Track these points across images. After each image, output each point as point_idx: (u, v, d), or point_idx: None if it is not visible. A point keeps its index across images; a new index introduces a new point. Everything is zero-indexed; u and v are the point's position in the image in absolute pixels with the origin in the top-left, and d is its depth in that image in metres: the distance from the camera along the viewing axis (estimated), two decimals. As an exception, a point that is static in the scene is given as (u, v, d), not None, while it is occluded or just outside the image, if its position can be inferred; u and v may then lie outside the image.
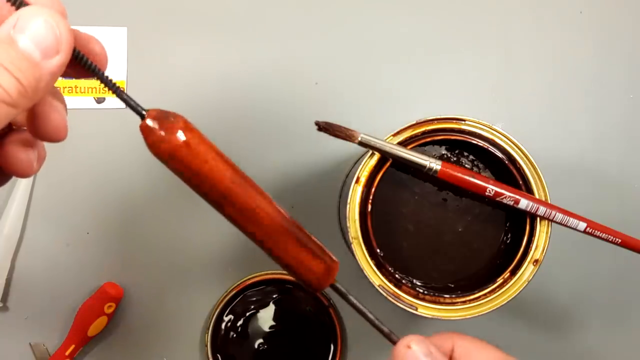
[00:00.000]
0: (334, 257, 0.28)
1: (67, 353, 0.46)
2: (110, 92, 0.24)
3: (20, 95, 0.20)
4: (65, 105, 0.26)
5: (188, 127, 0.24)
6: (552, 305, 0.50)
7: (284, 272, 0.48)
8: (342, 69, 0.51)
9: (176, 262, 0.49)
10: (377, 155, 0.38)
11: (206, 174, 0.24)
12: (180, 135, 0.23)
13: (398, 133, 0.38)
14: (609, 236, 0.38)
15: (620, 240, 0.38)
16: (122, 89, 0.24)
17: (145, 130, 0.23)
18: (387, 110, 0.50)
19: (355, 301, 0.29)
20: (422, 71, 0.51)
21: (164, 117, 0.24)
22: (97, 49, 0.25)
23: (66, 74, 0.24)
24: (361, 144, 0.37)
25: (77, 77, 0.25)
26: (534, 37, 0.52)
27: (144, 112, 0.24)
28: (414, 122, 0.38)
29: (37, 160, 0.26)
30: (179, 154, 0.23)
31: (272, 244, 0.27)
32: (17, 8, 0.21)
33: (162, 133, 0.23)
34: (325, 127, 0.37)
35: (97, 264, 0.48)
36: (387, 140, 0.38)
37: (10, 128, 0.26)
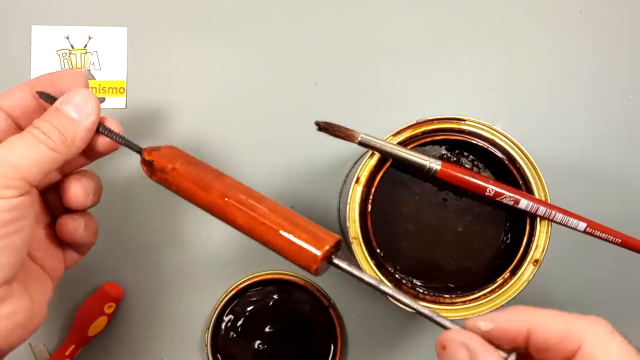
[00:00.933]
0: (331, 233, 0.29)
1: (67, 353, 0.46)
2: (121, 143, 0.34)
3: (64, 144, 0.30)
4: (94, 182, 0.35)
5: (173, 159, 0.32)
6: (552, 305, 0.50)
7: (284, 272, 0.48)
8: (342, 69, 0.51)
9: (176, 262, 0.49)
10: (377, 155, 0.38)
11: (197, 192, 0.31)
12: (168, 167, 0.32)
13: (398, 133, 0.38)
14: (609, 236, 0.38)
15: (620, 240, 0.38)
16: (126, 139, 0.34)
17: (143, 166, 0.33)
18: (387, 110, 0.50)
19: (363, 276, 0.27)
20: (422, 71, 0.51)
21: (156, 156, 0.33)
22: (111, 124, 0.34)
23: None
24: (361, 144, 0.37)
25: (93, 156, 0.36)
26: (534, 37, 0.52)
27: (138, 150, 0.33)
28: (414, 122, 0.38)
29: (83, 228, 0.35)
30: (168, 182, 0.32)
31: (259, 229, 0.29)
32: (50, 103, 0.32)
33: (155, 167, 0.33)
34: (325, 127, 0.37)
35: (97, 264, 0.48)
36: (387, 140, 0.38)
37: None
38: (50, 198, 0.36)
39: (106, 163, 0.49)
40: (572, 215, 0.37)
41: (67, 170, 0.36)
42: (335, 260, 0.28)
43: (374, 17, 0.51)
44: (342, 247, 0.30)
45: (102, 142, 0.34)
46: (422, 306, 0.26)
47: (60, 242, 0.36)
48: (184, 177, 0.31)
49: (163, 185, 0.33)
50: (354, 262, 0.35)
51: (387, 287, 0.27)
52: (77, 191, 0.33)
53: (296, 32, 0.51)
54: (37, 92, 0.33)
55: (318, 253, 0.27)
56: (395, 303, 0.27)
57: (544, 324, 0.22)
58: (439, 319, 0.25)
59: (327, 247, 0.27)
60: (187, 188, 0.31)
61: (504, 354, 0.23)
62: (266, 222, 0.29)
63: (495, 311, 0.24)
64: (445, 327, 0.25)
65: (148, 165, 0.33)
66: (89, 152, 0.35)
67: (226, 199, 0.30)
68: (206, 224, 0.49)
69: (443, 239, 0.40)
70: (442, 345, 0.23)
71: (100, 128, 0.33)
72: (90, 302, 0.47)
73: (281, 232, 0.28)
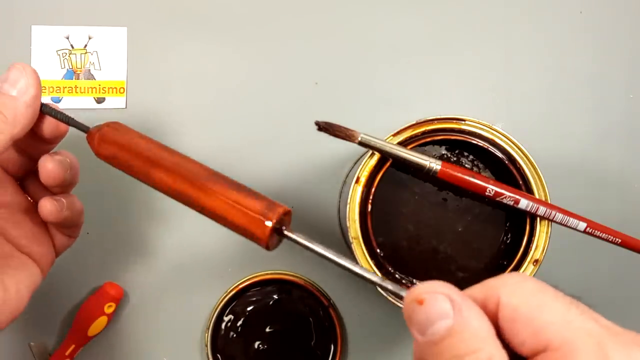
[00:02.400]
0: (279, 203, 0.27)
1: (67, 353, 0.46)
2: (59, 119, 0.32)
3: (4, 122, 0.29)
4: (69, 159, 0.34)
5: (104, 130, 0.31)
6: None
7: (284, 272, 0.48)
8: (342, 69, 0.50)
9: (176, 262, 0.49)
10: (377, 155, 0.38)
11: (129, 149, 0.30)
12: (97, 135, 0.32)
13: (398, 133, 0.38)
14: (609, 236, 0.38)
15: (620, 240, 0.38)
16: (66, 114, 0.33)
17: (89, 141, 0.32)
18: (387, 110, 0.50)
19: (317, 247, 0.25)
20: (422, 71, 0.51)
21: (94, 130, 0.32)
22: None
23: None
24: (361, 144, 0.37)
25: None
26: (534, 37, 0.52)
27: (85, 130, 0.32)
28: (414, 122, 0.38)
29: (65, 208, 0.34)
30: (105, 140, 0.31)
31: (197, 195, 0.28)
32: (46, 114, 0.32)
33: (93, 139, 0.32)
34: (325, 127, 0.37)
35: (97, 264, 0.48)
36: (387, 140, 0.38)
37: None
38: (30, 184, 0.35)
39: (105, 162, 0.49)
40: (572, 215, 0.37)
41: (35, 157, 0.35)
42: (286, 232, 0.26)
43: (374, 17, 0.51)
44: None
45: (48, 124, 0.33)
46: (383, 278, 0.24)
47: (47, 227, 0.35)
48: (130, 154, 0.31)
49: (111, 164, 0.32)
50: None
51: (342, 259, 0.24)
52: (52, 165, 0.32)
53: (296, 32, 0.51)
54: None
55: (269, 224, 0.26)
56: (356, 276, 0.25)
57: (470, 293, 0.22)
58: (393, 288, 0.23)
59: (277, 218, 0.26)
60: (129, 167, 0.31)
61: None
62: (217, 193, 0.27)
63: None
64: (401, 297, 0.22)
65: (93, 143, 0.32)
66: (38, 135, 0.33)
67: (172, 172, 0.29)
68: (206, 223, 0.49)
69: (443, 239, 0.40)
70: (417, 300, 0.20)
71: (43, 108, 0.32)
72: (90, 302, 0.47)
73: (229, 202, 0.27)
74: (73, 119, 0.33)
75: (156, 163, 0.29)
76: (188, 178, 0.28)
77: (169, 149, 0.30)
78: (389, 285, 0.23)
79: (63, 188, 0.34)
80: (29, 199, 0.35)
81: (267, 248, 0.26)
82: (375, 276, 0.23)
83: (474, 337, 0.20)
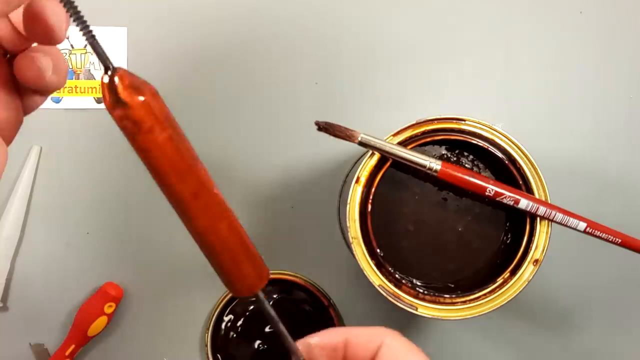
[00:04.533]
0: (265, 267, 0.28)
1: (67, 353, 0.46)
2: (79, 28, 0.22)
3: None
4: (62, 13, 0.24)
5: (156, 119, 0.24)
6: (552, 305, 0.50)
7: (284, 272, 0.48)
8: (342, 69, 0.50)
9: (176, 262, 0.49)
10: (377, 155, 0.38)
11: (169, 176, 0.25)
12: (145, 126, 0.23)
13: (398, 133, 0.38)
14: (609, 236, 0.38)
15: (620, 240, 0.38)
16: (92, 31, 0.22)
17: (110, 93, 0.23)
18: (387, 110, 0.50)
19: (270, 311, 0.27)
20: (423, 71, 0.51)
21: (127, 81, 0.23)
22: None
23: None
24: (361, 144, 0.37)
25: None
26: (534, 37, 0.52)
27: (109, 71, 0.22)
28: (414, 122, 0.38)
29: (51, 68, 0.25)
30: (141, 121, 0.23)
31: (206, 248, 0.27)
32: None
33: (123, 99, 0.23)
34: (325, 127, 0.37)
35: (97, 264, 0.48)
36: (387, 140, 0.38)
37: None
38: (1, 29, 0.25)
39: (105, 160, 0.49)
40: (572, 215, 0.37)
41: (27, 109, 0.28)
42: (260, 294, 0.27)
43: (374, 17, 0.51)
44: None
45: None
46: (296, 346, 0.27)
47: (17, 84, 0.26)
48: (157, 150, 0.24)
49: (122, 131, 0.23)
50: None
51: (284, 329, 0.27)
52: (56, 13, 0.23)
53: (296, 32, 0.51)
54: None
55: (261, 285, 0.27)
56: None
57: (356, 333, 0.27)
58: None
59: (265, 283, 0.27)
60: (154, 165, 0.24)
61: None
62: (226, 238, 0.26)
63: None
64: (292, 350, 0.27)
65: (120, 103, 0.23)
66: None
67: (196, 198, 0.25)
68: (206, 224, 0.49)
69: (443, 239, 0.40)
70: None
71: None
72: (90, 302, 0.47)
73: (236, 255, 0.27)
74: (97, 39, 0.22)
75: (194, 192, 0.25)
76: (218, 230, 0.27)
77: (203, 173, 0.26)
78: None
79: (59, 37, 0.24)
80: None
81: (239, 296, 0.28)
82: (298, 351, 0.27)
83: None
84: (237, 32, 0.50)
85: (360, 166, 0.38)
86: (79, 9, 0.21)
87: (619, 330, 0.51)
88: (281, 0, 0.51)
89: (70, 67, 0.49)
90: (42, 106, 0.30)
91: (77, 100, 0.49)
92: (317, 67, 0.50)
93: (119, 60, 0.49)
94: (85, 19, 0.22)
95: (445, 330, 0.49)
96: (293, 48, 0.50)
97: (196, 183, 0.25)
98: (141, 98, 0.23)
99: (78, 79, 0.49)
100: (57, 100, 0.49)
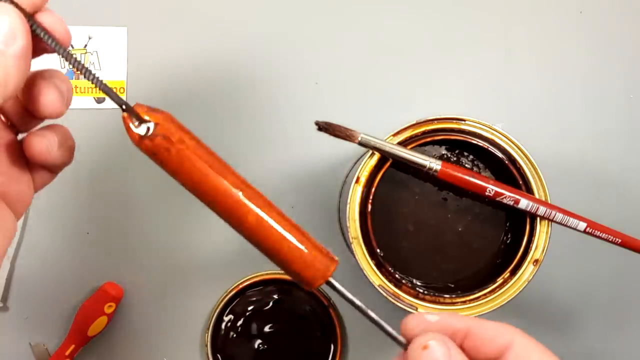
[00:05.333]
0: (332, 254, 0.27)
1: (67, 353, 0.46)
2: (83, 75, 0.25)
3: None
4: (65, 84, 0.27)
5: (179, 128, 0.25)
6: (552, 305, 0.50)
7: (284, 272, 0.48)
8: (342, 69, 0.51)
9: (176, 262, 0.49)
10: (377, 155, 0.38)
11: (208, 177, 0.25)
12: (175, 136, 0.25)
13: (398, 133, 0.38)
14: (609, 236, 0.38)
15: (620, 240, 0.38)
16: (101, 80, 0.24)
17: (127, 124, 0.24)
18: (387, 110, 0.50)
19: (355, 300, 0.27)
20: (423, 71, 0.51)
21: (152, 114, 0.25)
22: (49, 21, 0.25)
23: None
24: (361, 144, 0.37)
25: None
26: (534, 37, 0.52)
27: (123, 106, 0.24)
28: (414, 122, 0.38)
29: (57, 145, 0.28)
30: (167, 157, 0.24)
31: (265, 238, 0.26)
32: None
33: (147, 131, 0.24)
34: (325, 127, 0.37)
35: (97, 264, 0.48)
36: (387, 140, 0.38)
37: None
38: (9, 108, 0.28)
39: (105, 160, 0.49)
40: (572, 215, 0.37)
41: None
42: (332, 280, 0.27)
43: (374, 17, 0.51)
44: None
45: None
46: (398, 335, 0.26)
47: (27, 162, 0.29)
48: (193, 155, 0.25)
49: (154, 156, 0.25)
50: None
51: (375, 316, 0.27)
52: (52, 96, 0.26)
53: (296, 32, 0.51)
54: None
55: (329, 271, 0.27)
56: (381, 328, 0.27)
57: (481, 325, 0.25)
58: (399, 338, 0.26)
59: (334, 266, 0.27)
60: (195, 169, 0.25)
61: None
62: (278, 228, 0.26)
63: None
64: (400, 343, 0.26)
65: (145, 122, 0.25)
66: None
67: (240, 193, 0.25)
68: (206, 223, 0.49)
69: (443, 239, 0.40)
70: (423, 346, 0.24)
71: (45, 39, 0.24)
72: (90, 302, 0.47)
73: (295, 242, 0.25)
74: (104, 83, 0.24)
75: (237, 188, 0.25)
76: (265, 222, 0.26)
77: (224, 165, 0.26)
78: (402, 339, 0.26)
79: (59, 114, 0.27)
80: (3, 120, 0.28)
81: (311, 289, 0.27)
82: (402, 338, 0.26)
83: None
84: (237, 33, 0.50)
85: (360, 166, 0.38)
86: (87, 67, 0.24)
87: (619, 330, 0.51)
88: (281, 0, 0.51)
89: (70, 67, 0.49)
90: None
91: (77, 100, 0.49)
92: (317, 67, 0.50)
93: (119, 60, 0.49)
94: (92, 71, 0.24)
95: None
96: (293, 48, 0.50)
97: (235, 179, 0.25)
98: (161, 115, 0.25)
99: (78, 79, 0.49)
100: (57, 100, 0.49)
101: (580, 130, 0.51)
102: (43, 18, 0.25)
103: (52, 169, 0.30)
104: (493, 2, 0.52)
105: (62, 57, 0.24)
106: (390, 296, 0.37)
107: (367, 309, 0.27)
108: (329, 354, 0.48)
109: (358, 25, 0.51)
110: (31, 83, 0.26)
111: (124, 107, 0.24)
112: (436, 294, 0.38)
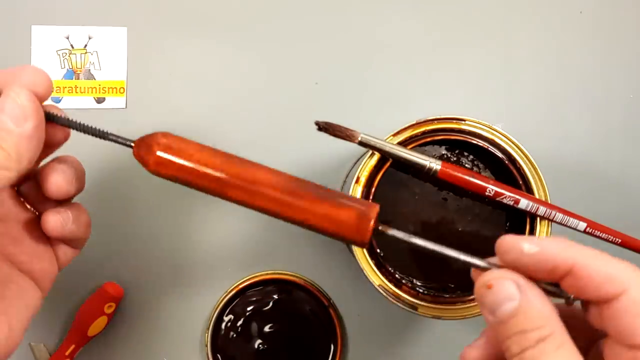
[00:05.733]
0: (366, 202, 0.27)
1: (67, 353, 0.46)
2: (96, 136, 0.29)
3: (7, 159, 0.26)
4: (70, 169, 0.30)
5: (162, 140, 0.27)
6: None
7: (284, 272, 0.48)
8: (342, 69, 0.51)
9: (176, 262, 0.49)
10: (377, 155, 0.38)
11: (197, 166, 0.27)
12: (157, 148, 0.27)
13: (398, 133, 0.38)
14: (609, 236, 0.38)
15: (620, 240, 0.38)
16: (106, 131, 0.29)
17: (138, 158, 0.28)
18: (387, 110, 0.50)
19: (419, 240, 0.25)
20: (422, 71, 0.51)
21: (142, 142, 0.28)
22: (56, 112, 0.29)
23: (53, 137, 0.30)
24: (361, 144, 0.37)
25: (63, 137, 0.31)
26: (534, 37, 0.52)
27: (131, 144, 0.28)
28: (414, 122, 0.38)
29: (71, 220, 0.31)
30: (164, 160, 0.27)
31: (288, 210, 0.27)
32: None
33: (146, 156, 0.27)
34: (325, 127, 0.37)
35: (97, 264, 0.48)
36: (387, 140, 0.38)
37: None
38: (28, 191, 0.31)
39: (105, 160, 0.49)
40: (572, 215, 0.37)
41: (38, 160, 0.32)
42: (382, 229, 0.26)
43: (374, 17, 0.51)
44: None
45: (61, 134, 0.30)
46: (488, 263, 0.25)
47: (49, 239, 0.32)
48: (215, 161, 0.27)
49: (175, 174, 0.27)
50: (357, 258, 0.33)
51: (444, 249, 0.26)
52: (57, 179, 0.29)
53: (296, 32, 0.51)
54: None
55: (367, 232, 0.26)
56: (466, 261, 0.26)
57: (590, 263, 0.23)
58: (481, 263, 0.25)
59: (374, 224, 0.26)
60: (222, 174, 0.27)
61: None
62: (305, 210, 0.27)
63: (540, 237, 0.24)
64: (482, 268, 0.24)
65: (157, 146, 0.27)
66: (50, 145, 0.30)
67: (268, 174, 0.27)
68: (207, 223, 0.49)
69: (443, 239, 0.40)
70: (486, 285, 0.23)
71: (65, 122, 0.28)
72: (90, 302, 0.47)
73: (321, 216, 0.26)
74: (111, 133, 0.29)
75: (229, 183, 0.27)
76: (269, 196, 0.27)
77: (238, 160, 0.28)
78: (482, 264, 0.25)
79: (67, 197, 0.31)
80: (29, 207, 0.31)
81: (365, 244, 0.27)
82: (479, 261, 0.25)
83: (538, 315, 0.22)
84: (237, 29, 0.50)
85: (360, 166, 0.38)
86: (91, 126, 0.29)
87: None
88: (281, 1, 0.51)
89: (70, 67, 0.49)
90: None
91: (77, 100, 0.49)
92: (317, 67, 0.50)
93: (119, 60, 0.49)
94: (97, 129, 0.29)
95: (445, 330, 0.50)
96: (293, 48, 0.50)
97: (254, 167, 0.27)
98: (167, 138, 0.27)
99: (78, 79, 0.49)
100: (57, 100, 0.49)
101: (581, 131, 0.51)
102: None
103: (72, 244, 0.33)
104: (493, 2, 0.52)
105: (83, 132, 0.29)
106: (390, 296, 0.37)
107: (435, 245, 0.26)
108: (329, 354, 0.48)
109: (358, 25, 0.51)
110: (43, 168, 0.30)
111: (130, 143, 0.29)
112: (436, 294, 0.38)
